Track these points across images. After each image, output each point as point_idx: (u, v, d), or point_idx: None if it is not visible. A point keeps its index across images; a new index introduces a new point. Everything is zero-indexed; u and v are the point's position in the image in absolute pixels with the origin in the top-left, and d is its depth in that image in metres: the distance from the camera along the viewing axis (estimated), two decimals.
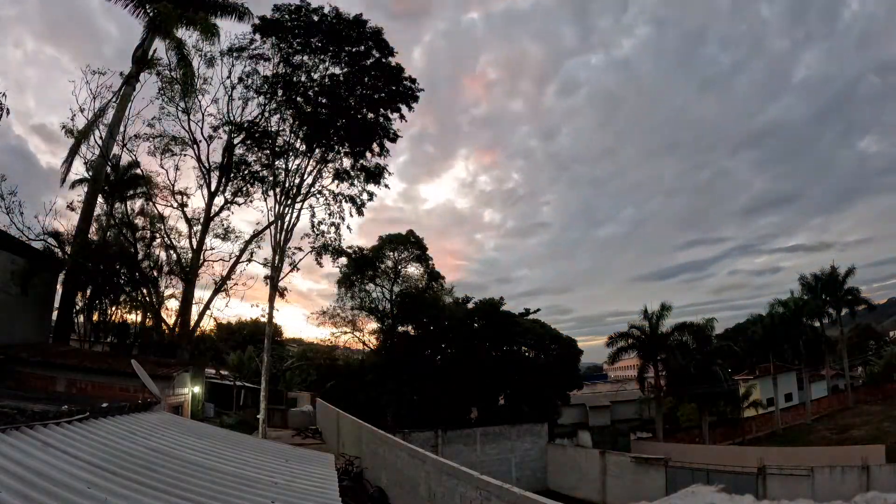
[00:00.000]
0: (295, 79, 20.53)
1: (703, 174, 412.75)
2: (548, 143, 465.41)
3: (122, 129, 20.95)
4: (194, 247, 22.35)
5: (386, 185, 22.88)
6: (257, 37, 20.67)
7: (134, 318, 23.52)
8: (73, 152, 19.75)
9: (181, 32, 21.02)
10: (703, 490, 13.75)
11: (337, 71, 20.72)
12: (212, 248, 23.25)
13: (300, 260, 22.27)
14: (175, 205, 22.81)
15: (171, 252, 23.04)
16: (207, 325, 25.91)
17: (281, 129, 21.30)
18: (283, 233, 20.40)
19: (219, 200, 22.68)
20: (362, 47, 20.41)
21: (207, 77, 21.85)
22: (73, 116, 20.53)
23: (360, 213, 22.75)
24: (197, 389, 20.38)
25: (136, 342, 22.36)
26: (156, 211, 22.95)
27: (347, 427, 17.55)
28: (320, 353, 38.16)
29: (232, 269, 22.93)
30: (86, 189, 21.43)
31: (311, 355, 38.28)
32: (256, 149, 21.45)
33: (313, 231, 22.44)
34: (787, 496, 14.78)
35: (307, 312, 53.04)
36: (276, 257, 20.23)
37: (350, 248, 27.37)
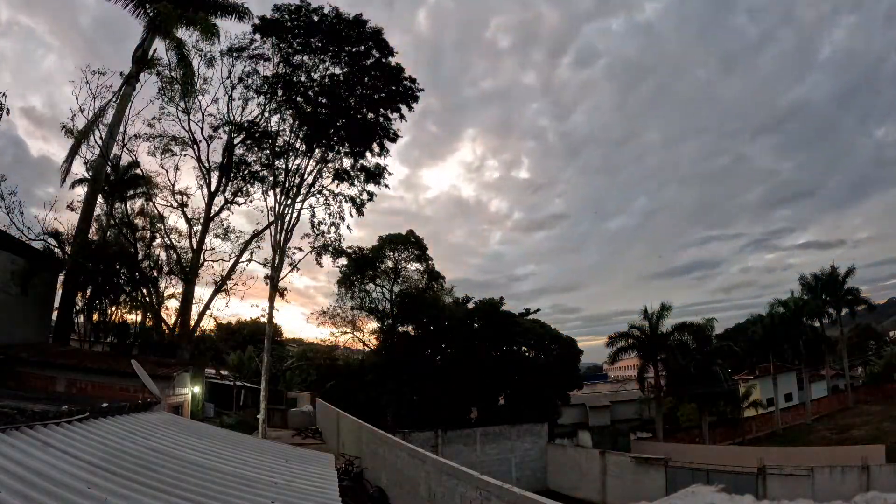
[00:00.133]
0: (295, 79, 20.54)
1: (720, 160, 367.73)
2: (561, 123, 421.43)
3: (122, 129, 20.96)
4: (194, 247, 22.36)
5: (386, 185, 22.94)
6: (257, 37, 20.69)
7: (134, 318, 23.53)
8: (73, 152, 19.74)
9: (181, 32, 21.03)
10: (703, 490, 13.75)
11: (337, 71, 20.74)
12: (212, 248, 23.28)
13: (300, 260, 22.31)
14: (175, 205, 22.84)
15: (171, 252, 23.06)
16: (207, 325, 25.96)
17: (281, 129, 21.32)
18: (283, 233, 20.42)
19: (219, 200, 22.70)
20: (362, 47, 20.43)
21: (207, 77, 21.89)
22: (73, 116, 20.56)
23: (360, 213, 22.80)
24: (197, 389, 20.38)
25: (136, 342, 22.36)
26: (156, 211, 22.98)
27: (347, 427, 17.55)
28: (320, 353, 38.18)
29: (232, 269, 22.95)
30: (86, 189, 21.43)
31: (311, 355, 38.30)
32: (256, 149, 21.47)
33: (313, 231, 22.47)
34: (787, 496, 14.77)
35: (307, 312, 53.29)
36: (276, 257, 20.24)
37: (350, 247, 27.39)
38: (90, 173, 21.27)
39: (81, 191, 22.15)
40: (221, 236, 23.73)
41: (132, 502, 3.18)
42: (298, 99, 20.64)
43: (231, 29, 22.06)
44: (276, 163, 21.08)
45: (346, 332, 33.96)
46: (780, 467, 20.83)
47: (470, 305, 34.38)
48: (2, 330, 15.24)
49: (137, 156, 22.65)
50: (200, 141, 22.32)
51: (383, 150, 22.06)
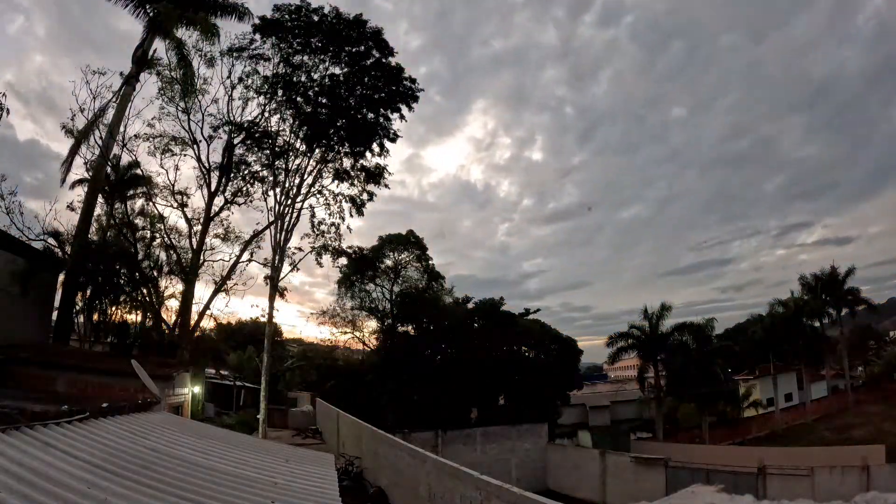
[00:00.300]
0: (295, 79, 20.55)
1: (743, 143, 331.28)
2: (579, 93, 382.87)
3: (122, 129, 20.97)
4: (194, 247, 22.37)
5: (386, 186, 22.95)
6: (257, 37, 20.70)
7: (134, 318, 23.54)
8: (73, 152, 19.74)
9: (181, 32, 21.02)
10: (702, 490, 13.75)
11: (337, 71, 20.75)
12: (212, 248, 23.31)
13: (300, 260, 22.33)
14: (175, 205, 22.87)
15: (171, 252, 23.08)
16: (207, 325, 25.97)
17: (281, 129, 21.35)
18: (283, 233, 20.44)
19: (219, 200, 22.71)
20: (362, 47, 20.43)
21: (207, 77, 21.93)
22: (73, 116, 20.60)
23: (360, 213, 22.81)
24: (197, 389, 20.40)
25: (136, 342, 22.35)
26: (156, 211, 23.01)
27: (347, 427, 17.55)
28: (320, 353, 38.18)
29: (232, 269, 22.97)
30: (86, 189, 21.44)
31: (311, 355, 38.31)
32: (256, 149, 21.47)
33: (313, 231, 22.48)
34: (787, 496, 14.75)
35: (307, 311, 53.39)
36: (276, 257, 20.27)
37: (350, 247, 27.40)
38: (90, 173, 21.28)
39: (81, 191, 22.18)
40: (221, 236, 23.79)
41: (132, 502, 3.18)
42: (298, 99, 20.65)
43: (231, 29, 22.11)
44: (277, 163, 21.09)
45: (346, 332, 33.99)
46: (781, 467, 20.82)
47: (470, 305, 34.39)
48: (2, 330, 15.22)
49: (137, 156, 22.71)
50: (200, 141, 22.37)
51: (383, 150, 22.09)
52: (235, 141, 21.82)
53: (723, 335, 45.74)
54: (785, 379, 41.49)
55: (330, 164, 22.07)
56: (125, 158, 22.63)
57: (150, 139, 22.17)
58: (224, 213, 23.15)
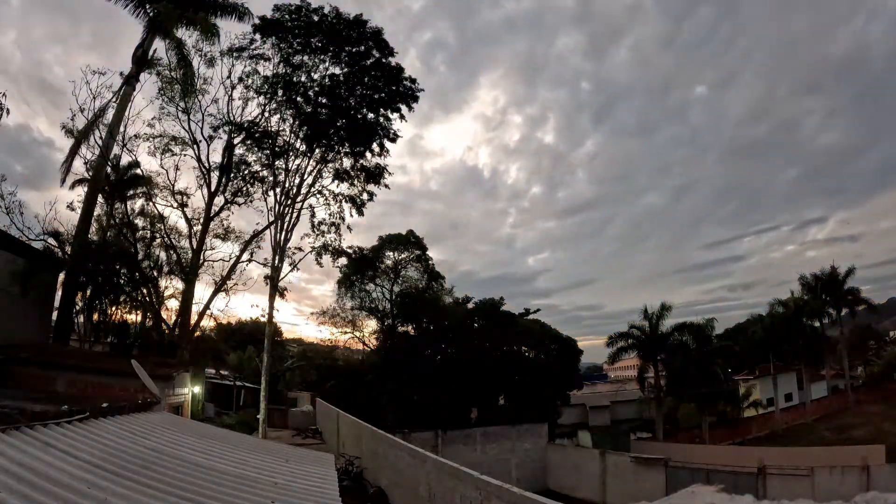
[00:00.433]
0: (295, 79, 20.55)
1: (762, 126, 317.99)
2: (597, 63, 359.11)
3: (122, 129, 20.97)
4: (194, 247, 22.36)
5: (386, 186, 22.95)
6: (257, 37, 20.70)
7: (134, 318, 23.53)
8: (73, 152, 19.74)
9: (181, 32, 21.03)
10: (702, 490, 13.75)
11: (337, 71, 20.75)
12: (212, 248, 23.30)
13: (300, 260, 22.32)
14: (175, 205, 22.86)
15: (171, 252, 23.07)
16: (207, 325, 25.96)
17: (281, 129, 21.34)
18: (283, 233, 20.44)
19: (219, 200, 22.71)
20: (362, 47, 20.43)
21: (207, 77, 21.92)
22: (73, 116, 20.60)
23: (360, 213, 22.81)
24: (197, 389, 20.39)
25: (136, 342, 22.35)
26: (156, 211, 23.00)
27: (347, 427, 17.55)
28: (320, 353, 38.21)
29: (232, 269, 22.97)
30: (86, 189, 21.44)
31: (311, 355, 38.34)
32: (256, 149, 21.47)
33: (313, 231, 22.48)
34: (787, 496, 14.75)
35: (304, 309, 53.55)
36: (276, 257, 20.27)
37: (350, 247, 27.42)
38: (90, 173, 21.28)
39: (81, 191, 22.17)
40: (221, 236, 23.78)
41: (132, 502, 3.18)
42: (298, 99, 20.65)
43: (231, 29, 22.12)
44: (277, 163, 21.10)
45: (346, 332, 34.00)
46: (781, 467, 20.83)
47: (470, 305, 34.41)
48: (2, 330, 15.22)
49: (137, 156, 22.71)
50: (200, 141, 22.36)
51: (383, 150, 22.09)
52: (235, 141, 21.82)
53: (723, 335, 45.76)
54: (785, 379, 41.49)
55: (330, 164, 22.07)
56: (125, 158, 22.67)
57: (150, 139, 22.20)
58: (224, 213, 23.18)
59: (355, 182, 22.53)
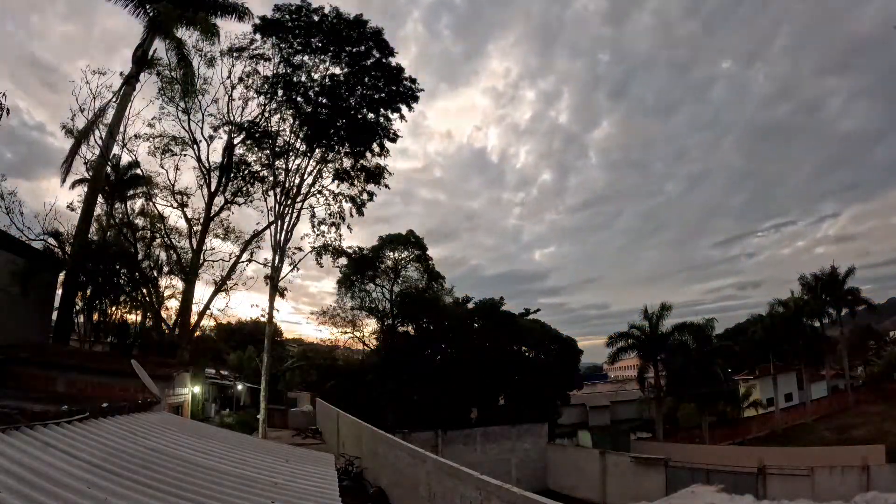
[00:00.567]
0: (295, 79, 20.56)
1: (784, 106, 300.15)
2: (617, 29, 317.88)
3: (122, 129, 20.97)
4: (194, 247, 22.35)
5: (386, 186, 22.97)
6: (257, 37, 20.73)
7: (134, 318, 23.55)
8: (73, 152, 19.75)
9: (181, 32, 21.03)
10: (702, 490, 13.73)
11: (337, 71, 20.77)
12: (212, 248, 23.29)
13: (300, 260, 22.34)
14: (175, 205, 22.85)
15: (171, 252, 23.08)
16: (207, 324, 25.96)
17: (281, 129, 21.36)
18: (283, 233, 20.47)
19: (219, 200, 22.69)
20: (362, 47, 20.45)
21: (207, 77, 21.90)
22: (73, 116, 20.59)
23: (360, 213, 22.82)
24: (197, 389, 20.39)
25: (136, 342, 22.37)
26: (156, 211, 23.00)
27: (347, 427, 17.55)
28: (320, 353, 38.23)
29: (232, 269, 22.96)
30: (86, 189, 21.44)
31: (311, 355, 38.36)
32: (256, 149, 21.49)
33: (313, 231, 22.49)
34: (787, 496, 14.75)
35: (303, 307, 53.59)
36: (276, 257, 20.28)
37: (350, 247, 27.44)
38: (90, 173, 21.29)
39: (81, 191, 22.18)
40: (221, 236, 23.77)
41: (132, 502, 3.18)
42: (299, 99, 20.66)
43: (231, 29, 22.10)
44: (277, 163, 21.11)
45: (346, 332, 34.02)
46: (781, 467, 20.82)
47: (470, 305, 34.42)
48: (2, 330, 15.23)
49: (137, 156, 22.70)
50: (200, 141, 22.35)
51: (383, 151, 22.11)
52: (235, 141, 21.82)
53: (723, 335, 45.79)
54: (785, 379, 41.49)
55: (330, 164, 22.10)
56: (125, 158, 22.67)
57: (150, 139, 22.19)
58: (224, 213, 23.18)
59: (355, 182, 22.57)
